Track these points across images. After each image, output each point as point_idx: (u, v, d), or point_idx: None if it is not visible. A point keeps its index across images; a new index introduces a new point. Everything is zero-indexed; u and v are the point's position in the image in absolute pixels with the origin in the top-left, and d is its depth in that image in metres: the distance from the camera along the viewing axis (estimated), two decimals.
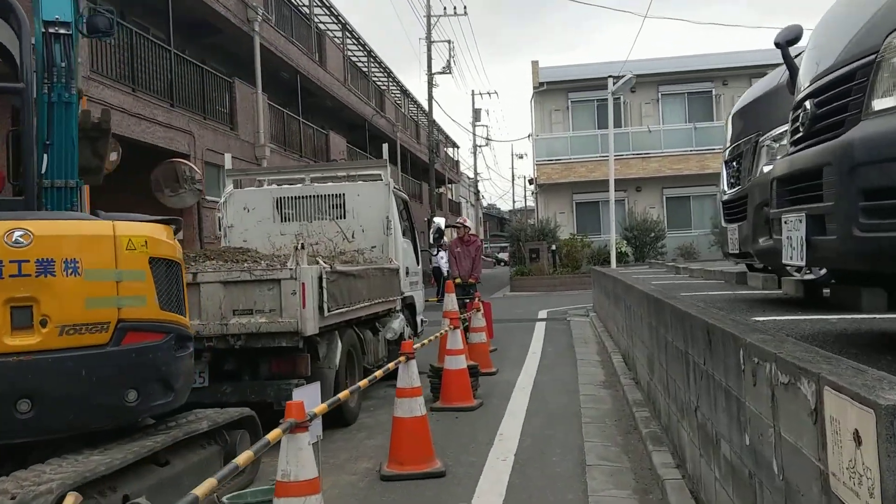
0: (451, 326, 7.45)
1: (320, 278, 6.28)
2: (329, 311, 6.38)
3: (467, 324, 9.81)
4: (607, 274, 13.22)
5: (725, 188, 6.54)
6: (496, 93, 64.84)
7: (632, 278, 10.71)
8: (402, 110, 42.39)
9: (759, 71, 30.02)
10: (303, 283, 6.03)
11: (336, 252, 9.32)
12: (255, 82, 19.98)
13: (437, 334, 7.26)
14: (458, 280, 13.68)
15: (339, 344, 6.82)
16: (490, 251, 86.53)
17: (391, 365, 5.54)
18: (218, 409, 5.33)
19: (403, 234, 10.17)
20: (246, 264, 6.57)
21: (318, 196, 9.43)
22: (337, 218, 9.37)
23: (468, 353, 9.69)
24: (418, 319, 10.38)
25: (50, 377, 3.92)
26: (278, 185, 9.72)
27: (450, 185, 64.81)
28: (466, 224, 13.74)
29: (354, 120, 32.81)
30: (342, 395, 4.54)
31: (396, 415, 5.40)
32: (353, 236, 9.30)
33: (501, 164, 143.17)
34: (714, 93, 30.56)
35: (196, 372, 6.26)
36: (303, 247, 6.12)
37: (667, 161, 29.95)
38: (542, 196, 31.63)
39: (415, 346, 6.08)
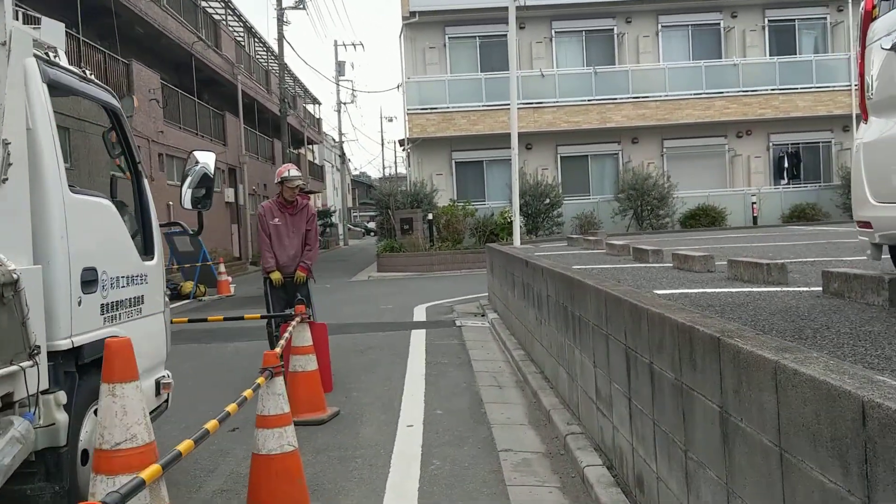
0: None
1: None
2: None
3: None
4: (532, 264, 7.73)
5: None
6: (361, 44, 58.30)
7: (591, 277, 5.33)
8: (248, 51, 35.42)
9: (669, 6, 25.47)
10: None
11: None
12: None
13: None
14: (274, 275, 7.87)
15: None
16: (358, 220, 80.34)
17: None
18: None
19: (93, 192, 4.26)
20: None
21: None
22: None
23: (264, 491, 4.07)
24: (146, 385, 4.49)
25: None
26: None
27: (311, 147, 58.08)
28: (291, 176, 7.89)
29: (178, 56, 25.88)
30: None
31: None
32: None
33: (371, 127, 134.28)
34: (616, 31, 25.71)
35: None
36: None
37: (562, 112, 24.92)
38: (415, 154, 25.95)
39: None
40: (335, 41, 51.72)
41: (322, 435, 5.66)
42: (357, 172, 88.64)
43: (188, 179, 5.08)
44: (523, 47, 25.08)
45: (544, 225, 23.79)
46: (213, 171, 5.08)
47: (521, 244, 14.16)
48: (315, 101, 55.36)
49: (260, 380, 3.75)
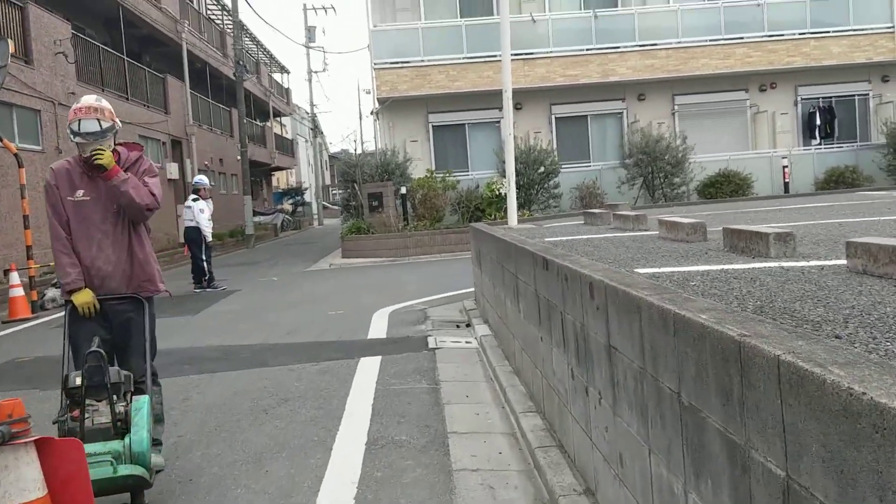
0: None
1: None
2: None
3: None
4: (559, 266, 4.11)
5: None
6: (333, 8, 53.31)
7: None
8: (196, 7, 31.30)
9: None
10: None
11: None
12: None
13: None
14: (79, 297, 4.23)
15: None
16: (337, 199, 76.00)
17: None
18: None
19: None
20: None
21: None
22: None
23: None
24: None
25: None
26: None
27: (280, 119, 54.01)
28: (82, 133, 4.23)
29: (107, 8, 21.94)
30: None
31: None
32: None
33: (350, 99, 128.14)
34: None
35: None
36: None
37: (557, 65, 21.16)
38: (385, 118, 22.16)
39: None
40: (304, 4, 47.52)
41: None
42: (338, 150, 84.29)
43: None
44: None
45: (539, 198, 20.14)
46: None
47: (519, 223, 10.54)
48: (283, 69, 51.17)
49: None
